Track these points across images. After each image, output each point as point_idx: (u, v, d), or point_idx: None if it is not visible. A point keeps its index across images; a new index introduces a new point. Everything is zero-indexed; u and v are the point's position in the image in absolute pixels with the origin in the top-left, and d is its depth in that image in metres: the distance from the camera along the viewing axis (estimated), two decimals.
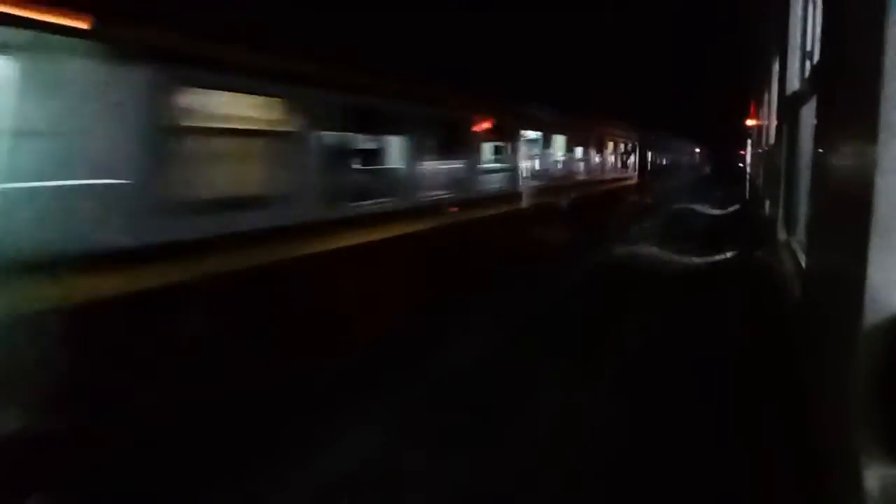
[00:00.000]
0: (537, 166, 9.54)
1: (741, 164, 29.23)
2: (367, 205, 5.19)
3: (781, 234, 6.59)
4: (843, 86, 2.80)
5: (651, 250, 11.87)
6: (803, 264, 4.39)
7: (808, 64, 5.85)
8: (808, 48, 5.82)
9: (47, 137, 2.80)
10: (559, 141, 10.68)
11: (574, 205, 10.70)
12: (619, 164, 14.65)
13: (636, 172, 16.20)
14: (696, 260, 10.99)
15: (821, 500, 2.61)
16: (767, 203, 9.39)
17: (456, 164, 6.83)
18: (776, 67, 8.24)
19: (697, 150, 36.37)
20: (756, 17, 11.91)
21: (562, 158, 10.85)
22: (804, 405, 3.16)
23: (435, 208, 6.16)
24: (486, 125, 7.35)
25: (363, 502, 3.47)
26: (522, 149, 8.73)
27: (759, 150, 14.41)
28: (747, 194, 19.68)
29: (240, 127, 4.16)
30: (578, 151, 11.73)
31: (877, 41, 2.01)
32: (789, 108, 6.40)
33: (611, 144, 13.68)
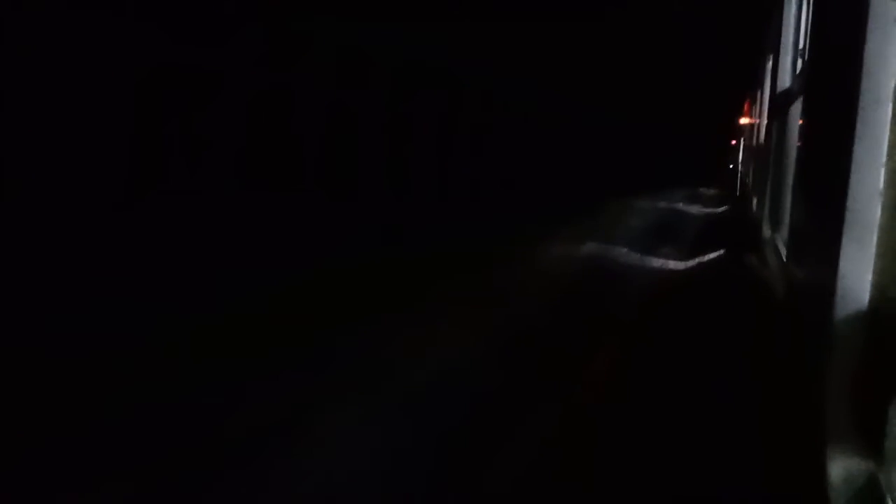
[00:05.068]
0: None
1: (731, 166, 28.60)
2: None
3: (766, 231, 6.65)
4: (825, 85, 2.84)
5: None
6: (785, 260, 4.45)
7: (799, 63, 5.89)
8: (802, 46, 5.86)
9: None
10: None
11: None
12: None
13: None
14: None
15: (787, 489, 2.67)
16: (755, 200, 9.46)
17: None
18: (769, 66, 8.27)
19: None
20: (755, 15, 11.93)
21: None
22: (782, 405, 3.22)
23: None
24: None
25: None
26: None
27: (751, 148, 14.49)
28: (738, 192, 19.80)
29: None
30: None
31: (856, 42, 2.04)
32: (779, 106, 6.45)
33: None
